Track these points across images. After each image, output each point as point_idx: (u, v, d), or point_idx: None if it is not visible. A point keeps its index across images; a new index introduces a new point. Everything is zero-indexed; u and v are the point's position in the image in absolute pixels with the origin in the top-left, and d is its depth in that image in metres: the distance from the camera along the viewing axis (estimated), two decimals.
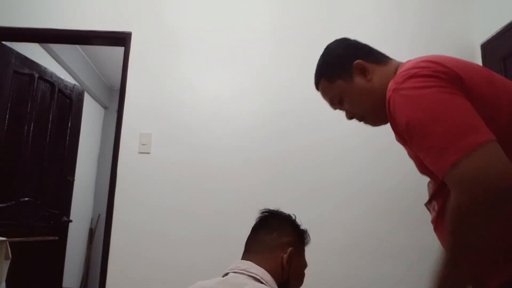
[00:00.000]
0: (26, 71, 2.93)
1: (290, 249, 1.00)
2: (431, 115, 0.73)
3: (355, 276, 2.18)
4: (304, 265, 1.07)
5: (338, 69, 1.01)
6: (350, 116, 1.06)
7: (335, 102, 1.05)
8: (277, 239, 1.02)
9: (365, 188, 2.30)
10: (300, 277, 1.05)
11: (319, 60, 1.07)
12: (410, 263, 2.19)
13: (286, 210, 2.29)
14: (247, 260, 1.00)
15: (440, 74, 0.77)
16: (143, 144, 2.37)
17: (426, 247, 2.19)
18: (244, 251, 1.06)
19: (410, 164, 2.52)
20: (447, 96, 0.74)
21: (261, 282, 0.92)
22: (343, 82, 0.99)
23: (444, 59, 0.82)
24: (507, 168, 0.65)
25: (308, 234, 1.09)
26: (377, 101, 0.93)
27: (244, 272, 0.94)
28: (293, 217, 1.09)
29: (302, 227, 1.10)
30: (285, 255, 0.98)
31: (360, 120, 1.04)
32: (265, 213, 1.10)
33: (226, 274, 0.97)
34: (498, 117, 0.76)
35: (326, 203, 2.29)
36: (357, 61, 0.98)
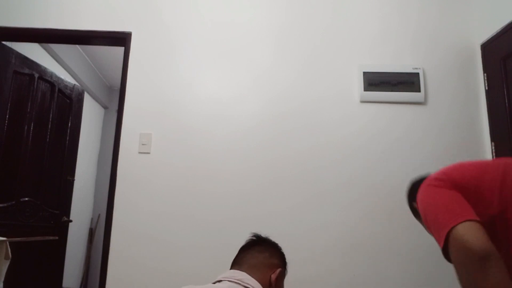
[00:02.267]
0: (26, 71, 2.93)
1: (279, 269, 1.05)
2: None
3: (358, 277, 2.18)
4: None
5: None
6: None
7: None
8: (268, 259, 1.07)
9: (367, 190, 2.29)
10: None
11: None
12: (413, 264, 2.19)
13: (287, 213, 2.30)
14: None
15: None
16: (143, 144, 2.37)
17: (430, 248, 2.19)
18: (233, 264, 1.08)
19: (412, 165, 2.53)
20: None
21: None
22: None
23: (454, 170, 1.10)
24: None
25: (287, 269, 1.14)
26: None
27: (240, 282, 0.95)
28: (280, 247, 1.15)
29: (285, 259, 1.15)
30: (273, 275, 1.04)
31: None
32: (256, 237, 1.15)
33: (219, 281, 0.98)
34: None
35: (328, 205, 2.29)
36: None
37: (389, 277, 2.18)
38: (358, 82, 2.44)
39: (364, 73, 2.43)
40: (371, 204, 2.28)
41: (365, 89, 2.41)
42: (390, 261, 2.20)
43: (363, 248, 2.22)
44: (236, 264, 1.07)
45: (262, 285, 0.99)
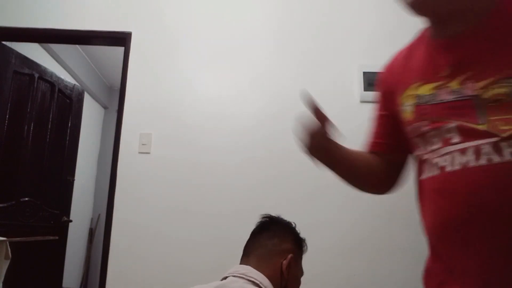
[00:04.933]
0: (26, 71, 2.93)
1: (290, 256, 1.00)
2: None
3: (356, 277, 2.18)
4: (301, 272, 1.07)
5: None
6: None
7: None
8: (278, 245, 1.03)
9: None
10: (297, 285, 1.06)
11: None
12: (411, 264, 2.18)
13: (286, 211, 2.28)
14: (246, 264, 1.00)
15: None
16: (143, 144, 2.37)
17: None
18: (243, 255, 1.06)
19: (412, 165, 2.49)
20: None
21: (260, 287, 0.92)
22: None
23: None
24: None
25: (306, 243, 1.10)
26: None
27: (243, 276, 0.94)
28: (294, 225, 1.10)
29: (301, 235, 1.10)
30: (284, 261, 0.99)
31: None
32: (266, 219, 1.10)
33: (225, 278, 0.97)
34: None
35: (326, 203, 2.29)
36: None
37: (389, 277, 2.18)
38: (358, 82, 2.44)
39: (364, 73, 2.43)
40: (370, 203, 2.27)
41: (365, 89, 2.41)
42: (390, 261, 2.20)
43: (363, 247, 2.22)
44: (245, 255, 1.04)
45: (273, 276, 0.96)
